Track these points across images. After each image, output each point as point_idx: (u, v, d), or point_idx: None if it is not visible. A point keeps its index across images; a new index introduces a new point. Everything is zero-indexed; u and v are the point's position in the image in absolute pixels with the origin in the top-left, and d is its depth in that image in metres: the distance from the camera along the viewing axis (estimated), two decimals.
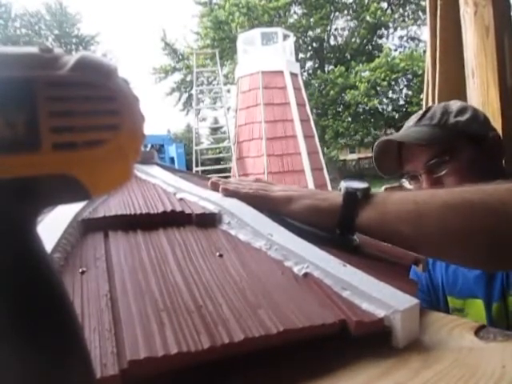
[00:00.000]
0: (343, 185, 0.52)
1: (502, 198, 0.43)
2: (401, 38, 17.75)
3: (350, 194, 0.50)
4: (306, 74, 16.56)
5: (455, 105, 0.85)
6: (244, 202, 0.56)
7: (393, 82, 14.39)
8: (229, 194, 0.58)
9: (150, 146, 10.02)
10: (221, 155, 10.69)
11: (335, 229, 0.51)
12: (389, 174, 0.92)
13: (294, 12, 16.25)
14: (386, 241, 0.51)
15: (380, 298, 0.36)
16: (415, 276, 0.85)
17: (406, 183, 0.89)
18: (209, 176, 0.73)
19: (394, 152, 0.88)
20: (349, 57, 16.33)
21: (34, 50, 0.18)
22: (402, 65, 13.44)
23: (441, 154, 0.80)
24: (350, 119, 14.86)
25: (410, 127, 0.87)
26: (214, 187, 0.62)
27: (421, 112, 0.88)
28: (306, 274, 0.42)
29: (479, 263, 0.50)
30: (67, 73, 0.18)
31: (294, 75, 7.28)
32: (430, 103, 1.61)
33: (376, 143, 0.90)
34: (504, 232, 0.43)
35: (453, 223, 0.44)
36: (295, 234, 0.49)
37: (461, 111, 0.83)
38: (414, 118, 0.88)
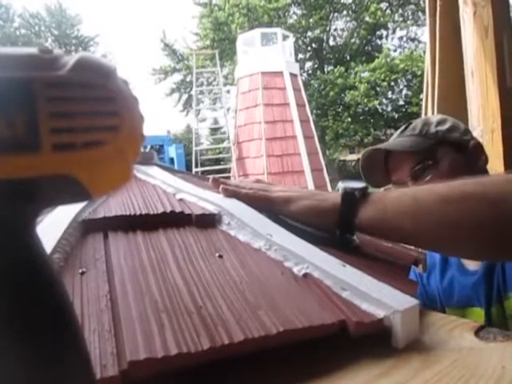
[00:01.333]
0: (341, 185, 0.52)
1: (501, 190, 0.43)
2: (400, 38, 17.78)
3: (348, 194, 0.51)
4: (305, 74, 16.56)
5: (435, 117, 0.92)
6: (244, 203, 0.56)
7: (392, 83, 14.40)
8: (229, 194, 0.58)
9: (149, 146, 10.01)
10: (220, 156, 10.67)
11: (335, 229, 0.51)
12: (375, 185, 0.94)
13: (294, 13, 16.26)
14: (386, 238, 0.51)
15: (380, 298, 0.36)
16: (414, 277, 0.85)
17: None
18: (208, 176, 0.73)
19: (381, 163, 0.92)
20: (348, 57, 16.33)
21: (33, 50, 0.18)
22: (402, 65, 13.44)
23: (424, 160, 0.84)
24: (349, 120, 14.86)
25: (394, 139, 0.93)
26: (215, 184, 0.63)
27: (403, 126, 0.94)
28: (305, 275, 0.42)
29: (479, 255, 0.50)
30: (67, 73, 0.18)
31: (293, 76, 7.29)
32: (429, 103, 1.61)
33: (362, 154, 0.94)
34: (503, 223, 0.42)
35: (452, 216, 0.44)
36: (295, 234, 0.49)
37: (440, 122, 0.89)
38: (397, 132, 0.95)
